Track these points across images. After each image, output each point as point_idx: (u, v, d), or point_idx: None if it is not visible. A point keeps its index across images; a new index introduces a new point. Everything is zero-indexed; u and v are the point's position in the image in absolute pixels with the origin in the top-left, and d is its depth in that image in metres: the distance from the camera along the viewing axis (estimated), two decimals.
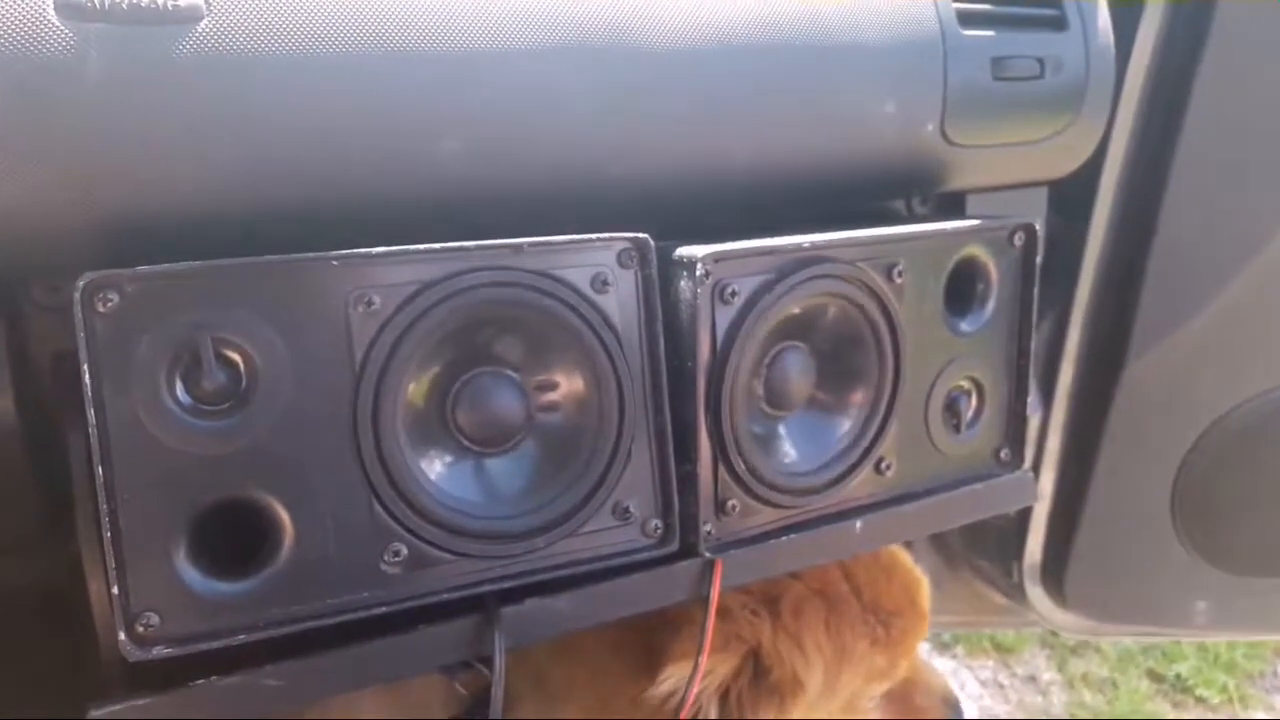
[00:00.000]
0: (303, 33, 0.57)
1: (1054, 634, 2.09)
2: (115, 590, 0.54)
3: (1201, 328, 1.19)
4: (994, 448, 0.83)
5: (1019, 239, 0.79)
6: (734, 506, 0.69)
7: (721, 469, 0.68)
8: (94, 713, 0.55)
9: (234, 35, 0.56)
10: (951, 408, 0.79)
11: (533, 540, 0.63)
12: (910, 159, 0.78)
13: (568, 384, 0.65)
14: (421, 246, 0.59)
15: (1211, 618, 1.37)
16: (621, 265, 0.64)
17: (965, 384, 0.80)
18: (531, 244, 0.62)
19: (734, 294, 0.66)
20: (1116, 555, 1.34)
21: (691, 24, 0.69)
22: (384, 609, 0.60)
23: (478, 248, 0.61)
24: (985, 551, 1.41)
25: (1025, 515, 1.36)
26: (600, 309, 0.64)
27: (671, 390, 0.66)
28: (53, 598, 0.67)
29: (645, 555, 0.66)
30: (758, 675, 0.81)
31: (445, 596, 0.61)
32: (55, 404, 0.61)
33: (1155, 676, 2.08)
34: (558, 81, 0.65)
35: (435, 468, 0.62)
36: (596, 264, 0.64)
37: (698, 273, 0.64)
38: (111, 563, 0.54)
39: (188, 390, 0.56)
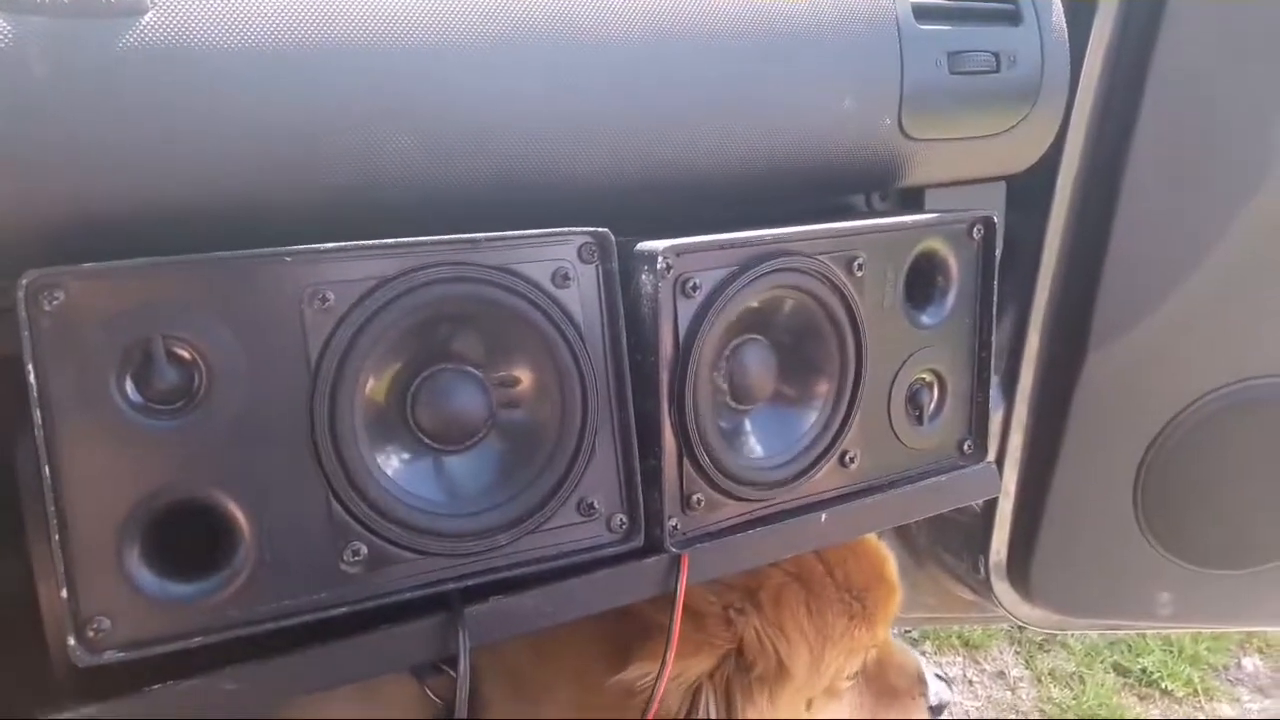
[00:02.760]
0: (250, 26, 0.56)
1: (1021, 630, 2.10)
2: (64, 594, 0.53)
3: (1159, 324, 1.20)
4: (957, 440, 0.83)
5: (978, 232, 0.79)
6: (699, 501, 0.69)
7: (686, 463, 0.68)
8: None
9: (181, 29, 0.55)
10: (914, 400, 0.80)
11: (495, 537, 0.62)
12: (869, 153, 0.78)
13: (529, 380, 0.64)
14: (376, 242, 0.59)
15: (1175, 609, 1.38)
16: (582, 260, 0.64)
17: (927, 376, 0.80)
18: (489, 238, 0.61)
19: (695, 287, 0.66)
20: (1080, 549, 1.35)
21: (648, 19, 0.68)
22: (345, 609, 0.59)
23: (435, 243, 0.60)
24: (951, 547, 1.41)
25: (990, 511, 1.36)
26: (561, 304, 0.63)
27: (634, 385, 0.66)
28: (4, 605, 0.65)
29: (610, 551, 0.66)
30: (742, 670, 0.81)
31: (407, 596, 0.61)
32: (3, 408, 0.59)
33: (1121, 670, 2.10)
34: (512, 76, 0.64)
35: (395, 465, 0.61)
36: (557, 259, 0.63)
37: (659, 266, 0.64)
38: (60, 566, 0.52)
39: (139, 389, 0.55)
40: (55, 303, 0.52)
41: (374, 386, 0.60)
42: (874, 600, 0.89)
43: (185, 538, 0.57)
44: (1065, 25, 0.84)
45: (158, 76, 0.54)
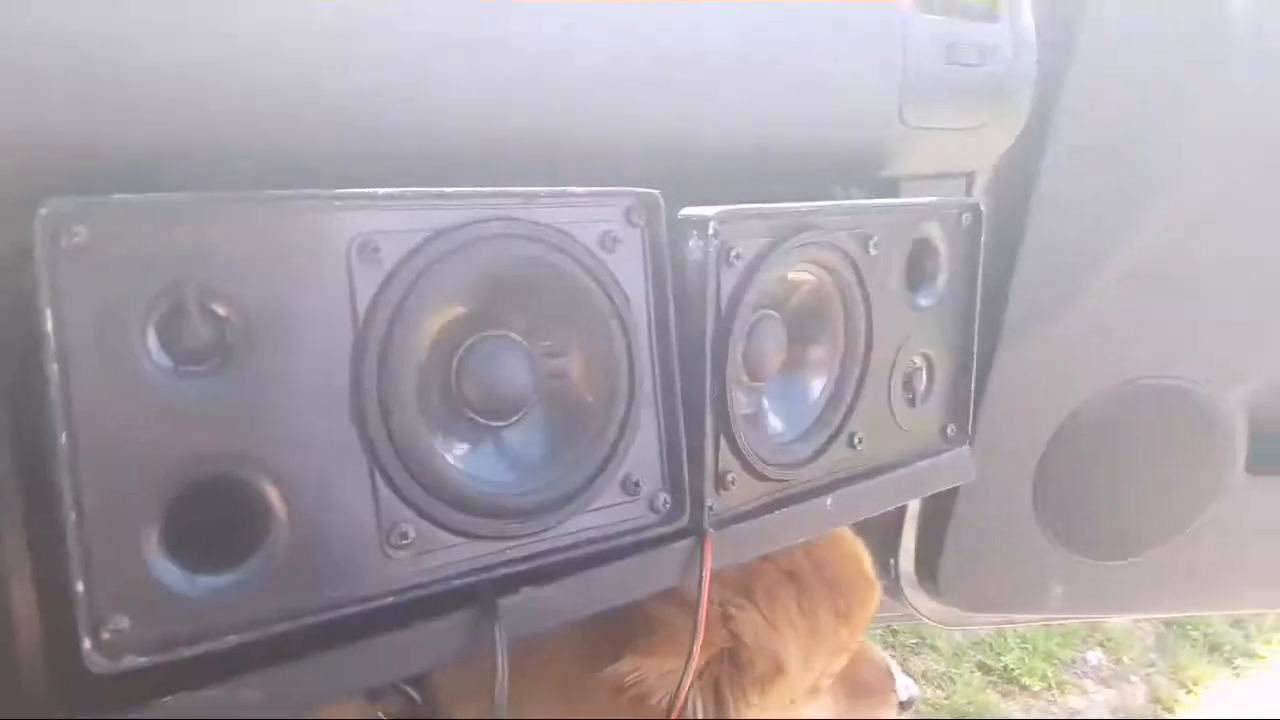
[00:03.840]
0: None
1: (894, 633, 2.17)
2: (80, 588, 0.44)
3: (1061, 324, 1.26)
4: (941, 424, 0.84)
5: (966, 218, 0.81)
6: (733, 480, 0.66)
7: (723, 441, 0.65)
8: None
9: None
10: (908, 383, 0.80)
11: (546, 518, 0.57)
12: (871, 136, 0.78)
13: (576, 349, 0.60)
14: (431, 190, 0.53)
15: (1068, 600, 1.45)
16: (630, 223, 0.60)
17: (918, 360, 0.81)
18: (547, 193, 0.57)
19: (738, 256, 0.64)
20: (985, 546, 1.40)
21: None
22: (391, 599, 0.53)
23: (491, 194, 0.55)
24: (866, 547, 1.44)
25: (901, 511, 1.40)
26: (609, 269, 0.59)
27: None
28: None
29: (655, 531, 0.62)
30: (737, 667, 0.78)
31: (456, 583, 0.55)
32: None
33: (985, 669, 2.20)
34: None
35: (442, 440, 0.55)
36: (605, 220, 0.60)
37: (710, 232, 0.61)
38: (76, 555, 0.44)
39: (168, 345, 0.47)
40: (76, 239, 0.44)
41: (422, 351, 0.54)
42: (858, 599, 0.88)
43: (206, 521, 0.49)
44: (1033, 25, 0.87)
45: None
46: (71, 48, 0.46)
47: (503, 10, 0.58)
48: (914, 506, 1.39)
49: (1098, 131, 1.16)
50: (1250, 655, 2.59)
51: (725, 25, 0.68)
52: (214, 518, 0.49)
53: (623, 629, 0.77)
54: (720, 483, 0.66)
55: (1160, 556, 1.43)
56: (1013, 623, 2.01)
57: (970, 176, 0.94)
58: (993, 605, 1.46)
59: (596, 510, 0.60)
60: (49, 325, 0.43)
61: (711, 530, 0.65)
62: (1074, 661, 2.33)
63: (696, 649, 0.69)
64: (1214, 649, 2.57)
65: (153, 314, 0.46)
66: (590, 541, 0.60)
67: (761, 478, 0.69)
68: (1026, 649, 2.27)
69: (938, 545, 1.38)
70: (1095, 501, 1.40)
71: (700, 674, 0.80)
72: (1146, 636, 2.59)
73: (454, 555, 0.55)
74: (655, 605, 0.76)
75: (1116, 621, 2.56)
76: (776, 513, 0.70)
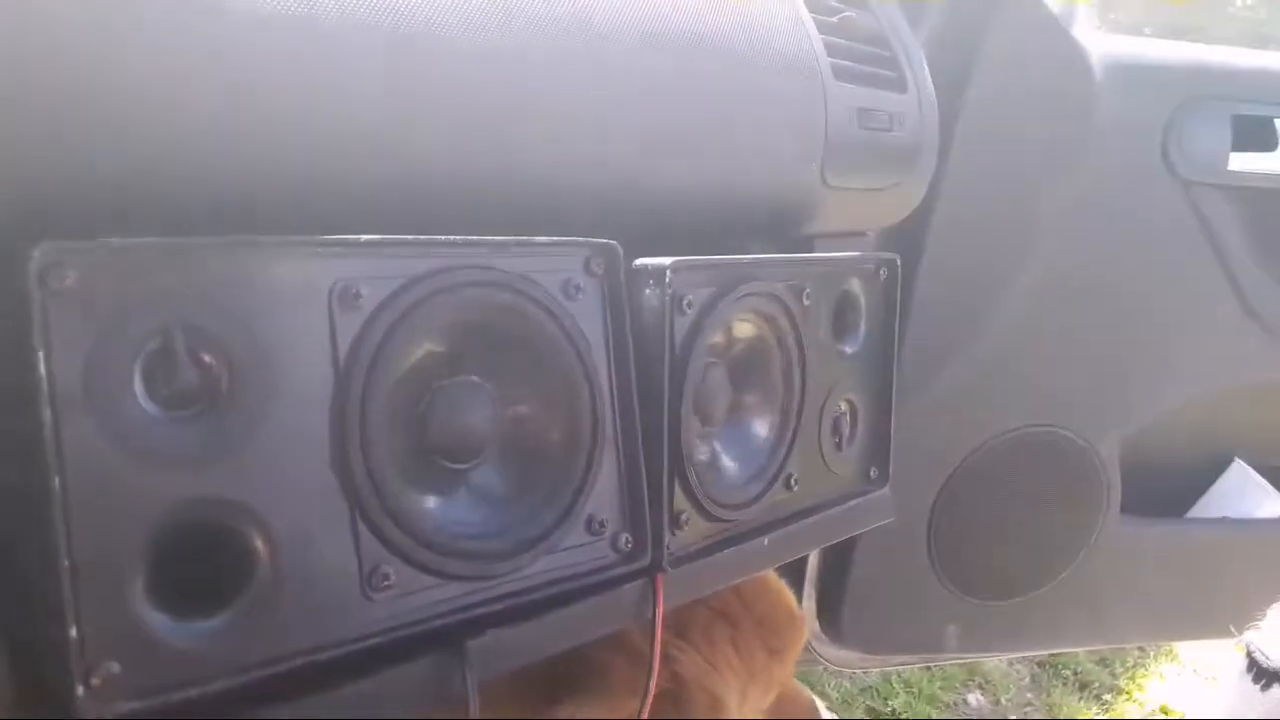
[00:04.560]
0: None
1: None
2: (74, 633, 0.43)
3: (952, 377, 1.35)
4: (865, 466, 0.89)
5: (884, 272, 0.87)
6: (686, 520, 0.69)
7: (678, 482, 0.68)
8: None
9: None
10: (835, 427, 0.84)
11: (518, 558, 0.59)
12: (794, 195, 0.83)
13: (540, 393, 0.62)
14: (409, 238, 0.55)
15: (961, 641, 1.52)
16: (588, 272, 0.63)
17: (844, 405, 0.86)
18: (515, 243, 0.59)
19: (690, 305, 0.67)
20: (883, 591, 1.46)
21: (616, 65, 0.69)
22: (375, 640, 0.53)
23: (463, 242, 0.57)
24: None
25: (803, 560, 1.45)
26: (572, 316, 0.62)
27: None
28: None
29: (618, 571, 0.64)
30: (678, 708, 0.80)
31: (434, 624, 0.55)
32: None
33: (873, 712, 2.26)
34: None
35: (415, 483, 0.56)
36: (567, 269, 0.62)
37: (666, 281, 0.64)
38: (70, 600, 0.43)
39: (156, 389, 0.47)
40: (66, 283, 0.44)
41: (397, 395, 0.55)
42: (789, 638, 0.91)
43: (189, 566, 0.48)
44: (935, 96, 0.95)
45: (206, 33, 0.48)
46: (53, 88, 0.46)
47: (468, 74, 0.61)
48: (813, 556, 1.44)
49: (977, 199, 1.25)
50: (1116, 690, 2.74)
51: (671, 95, 0.72)
52: (197, 562, 0.48)
53: (562, 673, 0.78)
54: (675, 523, 0.68)
55: (1045, 596, 1.52)
56: (908, 664, 2.08)
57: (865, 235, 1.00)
58: (891, 648, 1.52)
59: (564, 550, 0.61)
60: (41, 369, 0.43)
61: (670, 569, 0.67)
62: (956, 704, 2.41)
63: (653, 686, 0.70)
64: (1084, 686, 2.70)
65: (140, 358, 0.46)
66: (557, 581, 0.61)
67: (711, 518, 0.71)
68: (912, 693, 2.34)
69: (839, 592, 1.44)
70: (985, 545, 1.48)
71: (640, 714, 0.82)
72: (1022, 677, 2.71)
73: (431, 597, 0.55)
74: (594, 649, 0.77)
75: (993, 663, 2.67)
76: (722, 552, 0.73)
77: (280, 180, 0.55)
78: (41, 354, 0.43)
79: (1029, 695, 2.65)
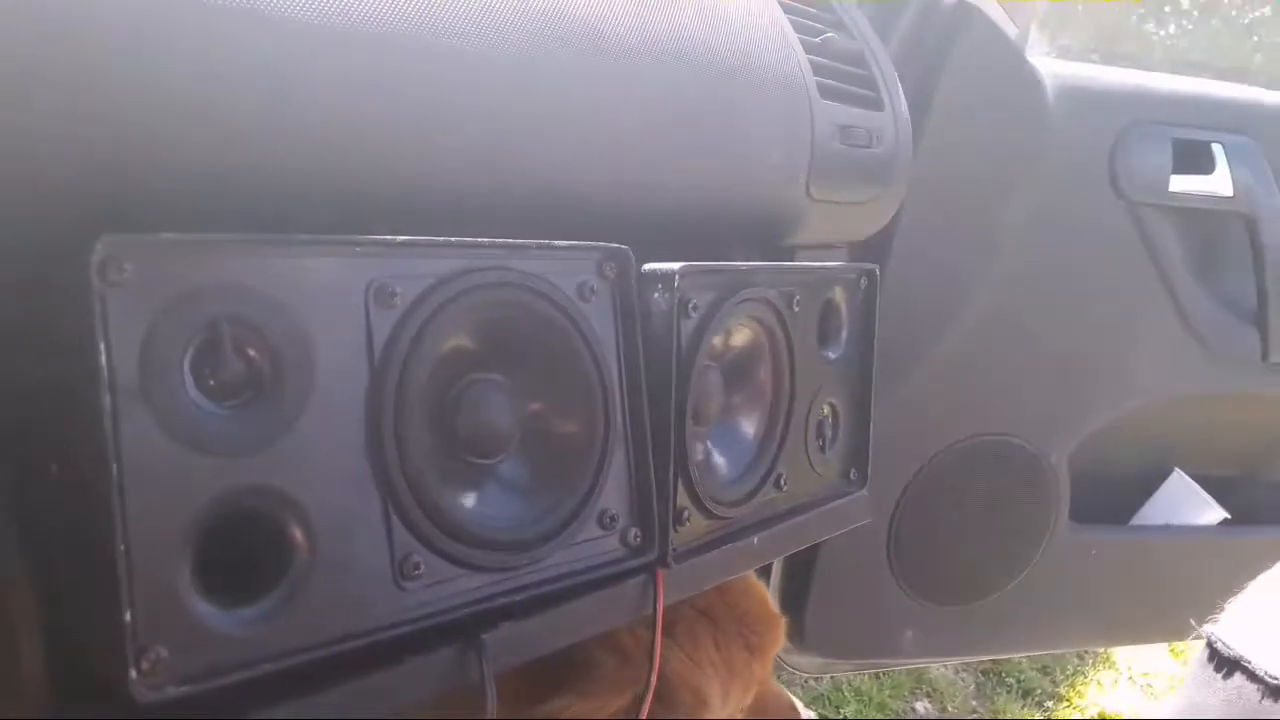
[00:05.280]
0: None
1: None
2: (128, 618, 0.44)
3: (912, 386, 1.39)
4: (845, 468, 0.92)
5: (864, 282, 0.91)
6: (688, 516, 0.71)
7: (680, 480, 0.70)
8: None
9: None
10: (820, 430, 0.88)
11: (538, 550, 0.61)
12: (781, 207, 0.87)
13: (556, 391, 0.64)
14: (439, 239, 0.57)
15: (918, 645, 1.56)
16: (601, 276, 0.66)
17: (827, 409, 0.89)
18: (535, 245, 0.61)
19: (695, 308, 0.70)
20: (845, 596, 1.49)
21: (624, 79, 0.72)
22: (407, 627, 0.54)
23: (487, 244, 0.59)
24: None
25: (768, 566, 1.48)
26: (587, 318, 0.64)
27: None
28: None
29: (629, 564, 0.66)
30: (663, 705, 0.82)
31: (463, 613, 0.57)
32: None
33: None
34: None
35: (443, 476, 0.58)
36: (581, 272, 0.64)
37: (675, 285, 0.67)
38: (125, 585, 0.44)
39: (203, 380, 0.48)
40: (125, 274, 0.45)
41: (428, 391, 0.57)
42: (768, 636, 0.94)
43: (231, 554, 0.50)
44: (909, 114, 0.99)
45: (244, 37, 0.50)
46: (97, 87, 0.48)
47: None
48: (778, 560, 1.47)
49: (938, 214, 1.30)
50: (1056, 697, 2.82)
51: (673, 108, 0.75)
52: (237, 550, 0.50)
53: (551, 670, 0.80)
54: (678, 519, 0.70)
55: (999, 601, 1.57)
56: (868, 669, 2.11)
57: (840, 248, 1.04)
58: (853, 653, 1.55)
59: (578, 544, 0.63)
60: (102, 358, 0.44)
61: (675, 564, 0.69)
62: (905, 712, 2.47)
63: (653, 679, 0.72)
64: (1026, 693, 2.78)
65: (190, 349, 0.48)
66: (572, 574, 0.63)
67: (710, 515, 0.74)
68: (862, 701, 2.39)
69: (803, 597, 1.47)
70: (941, 550, 1.53)
71: (627, 713, 0.84)
72: (968, 685, 2.77)
73: (458, 586, 0.57)
74: (581, 647, 0.79)
75: (940, 671, 2.73)
76: (718, 550, 0.76)
77: (311, 181, 0.57)
78: (102, 344, 0.44)
79: (974, 703, 2.71)
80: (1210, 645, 0.70)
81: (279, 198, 0.56)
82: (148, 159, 0.50)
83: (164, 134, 0.50)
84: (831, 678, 2.36)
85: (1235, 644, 0.68)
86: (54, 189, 0.47)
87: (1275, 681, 0.62)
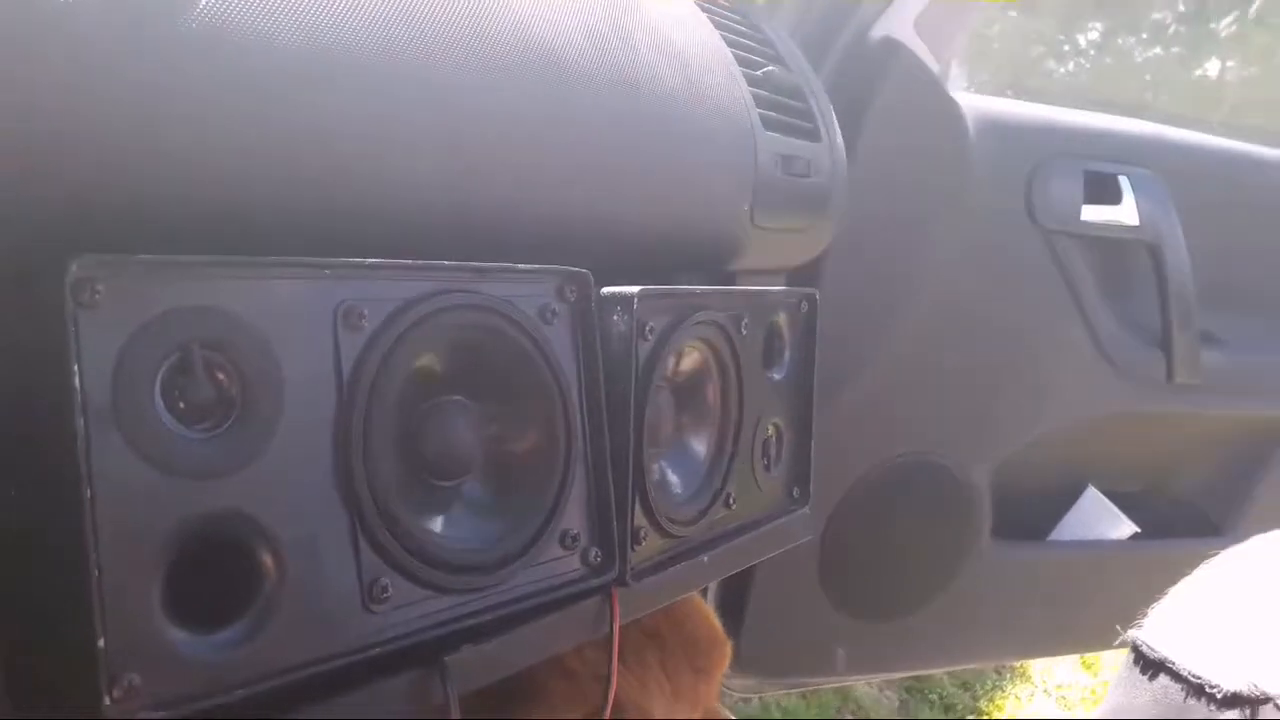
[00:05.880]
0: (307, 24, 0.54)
1: None
2: (101, 644, 0.43)
3: (841, 407, 1.43)
4: (789, 487, 0.95)
5: (804, 306, 0.93)
6: (645, 535, 0.72)
7: (637, 498, 0.71)
8: None
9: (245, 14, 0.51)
10: (765, 449, 0.90)
11: (503, 570, 0.61)
12: (727, 234, 0.89)
13: (517, 413, 0.64)
14: (405, 261, 0.57)
15: (849, 663, 1.59)
16: (560, 298, 0.67)
17: (771, 429, 0.91)
18: (496, 268, 0.62)
19: (651, 331, 0.71)
20: (780, 616, 1.52)
21: (583, 105, 0.73)
22: (377, 649, 0.54)
23: (452, 267, 0.60)
24: None
25: (704, 590, 1.49)
26: (548, 339, 0.65)
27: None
28: None
29: (590, 583, 0.67)
30: None
31: (430, 634, 0.57)
32: None
33: None
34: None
35: (409, 499, 0.58)
36: (542, 295, 0.65)
37: (634, 308, 0.68)
38: (98, 610, 0.43)
39: (174, 403, 0.48)
40: (97, 296, 0.45)
41: (394, 414, 0.57)
42: (715, 657, 0.95)
43: (197, 579, 0.49)
44: (844, 145, 1.03)
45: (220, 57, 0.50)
46: (80, 112, 0.47)
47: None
48: (713, 586, 1.49)
49: (866, 242, 1.34)
50: (977, 712, 2.89)
51: (628, 135, 0.76)
52: (206, 576, 0.49)
53: (498, 694, 0.80)
54: (635, 538, 0.71)
55: (926, 616, 1.61)
56: (804, 688, 2.14)
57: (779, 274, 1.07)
58: (788, 672, 1.58)
59: (541, 564, 0.64)
60: (75, 380, 0.43)
61: (632, 582, 0.70)
62: None
63: (611, 696, 0.73)
64: (948, 709, 2.84)
65: (161, 372, 0.47)
66: (535, 593, 0.64)
67: (665, 534, 0.75)
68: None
69: (739, 619, 1.48)
70: (870, 568, 1.56)
71: None
72: (892, 702, 2.83)
73: (426, 608, 0.57)
74: (530, 670, 0.79)
75: (864, 690, 2.78)
76: (672, 568, 0.77)
77: (271, 203, 0.57)
78: (75, 366, 0.43)
79: None
80: (1135, 649, 0.74)
81: (239, 220, 0.55)
82: (112, 179, 0.49)
83: (128, 156, 0.49)
84: (760, 698, 2.38)
85: (1160, 646, 0.71)
86: (20, 210, 0.47)
87: (1198, 681, 0.65)
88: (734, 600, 1.48)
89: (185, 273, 0.48)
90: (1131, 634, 0.76)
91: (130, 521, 0.45)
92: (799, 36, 1.18)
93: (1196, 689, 0.65)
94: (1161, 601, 0.77)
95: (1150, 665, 0.72)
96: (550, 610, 0.66)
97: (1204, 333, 1.58)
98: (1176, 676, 0.67)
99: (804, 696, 2.59)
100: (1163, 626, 0.73)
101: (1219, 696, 0.63)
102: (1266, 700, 0.62)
